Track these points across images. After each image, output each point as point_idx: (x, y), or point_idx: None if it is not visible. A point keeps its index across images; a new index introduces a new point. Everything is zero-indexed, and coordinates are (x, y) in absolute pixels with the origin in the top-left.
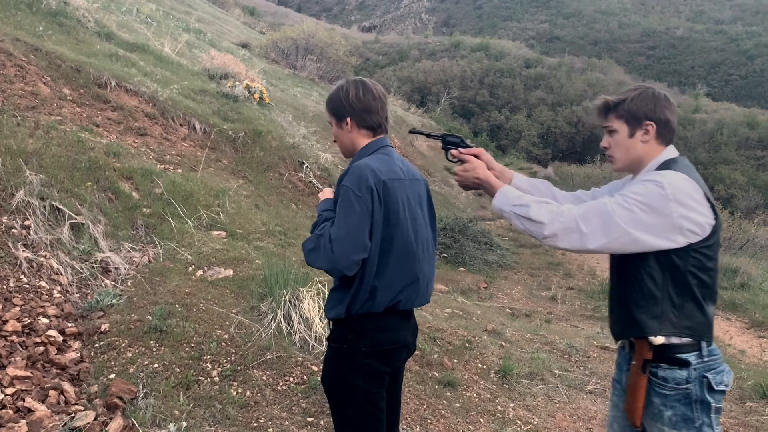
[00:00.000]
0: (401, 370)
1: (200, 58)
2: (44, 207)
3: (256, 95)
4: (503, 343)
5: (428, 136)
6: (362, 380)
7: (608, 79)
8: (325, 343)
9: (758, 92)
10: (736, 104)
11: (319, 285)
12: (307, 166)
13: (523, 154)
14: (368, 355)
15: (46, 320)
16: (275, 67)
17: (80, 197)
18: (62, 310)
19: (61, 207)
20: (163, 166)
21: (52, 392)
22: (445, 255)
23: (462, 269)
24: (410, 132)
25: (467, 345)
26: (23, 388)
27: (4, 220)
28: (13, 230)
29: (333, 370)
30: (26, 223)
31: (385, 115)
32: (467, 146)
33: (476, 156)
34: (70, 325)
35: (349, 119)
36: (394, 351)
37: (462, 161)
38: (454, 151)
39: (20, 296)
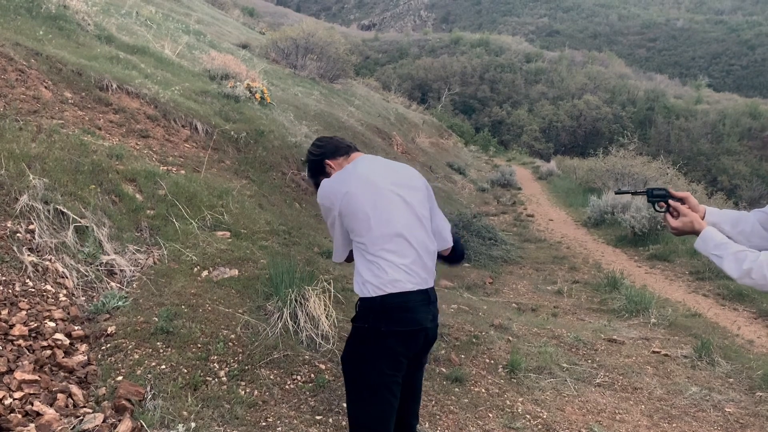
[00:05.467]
0: (422, 362)
1: (201, 59)
2: (48, 211)
3: (258, 95)
4: (510, 338)
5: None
6: (379, 360)
7: (609, 72)
8: (332, 341)
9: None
10: (738, 94)
11: (325, 283)
12: None
13: (525, 149)
14: (387, 335)
15: (52, 324)
16: (275, 67)
17: (84, 200)
18: (68, 314)
19: (65, 210)
20: (166, 168)
21: (60, 395)
22: None
23: (467, 265)
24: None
25: (474, 340)
26: (31, 392)
27: (8, 225)
28: (18, 234)
29: (352, 348)
30: (31, 227)
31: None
32: (673, 197)
33: (684, 199)
34: (76, 328)
35: (326, 161)
36: (412, 333)
37: (670, 212)
38: (674, 204)
39: (26, 300)
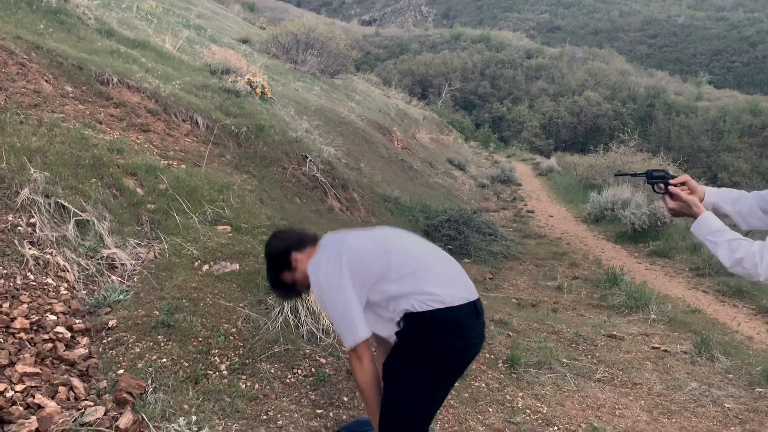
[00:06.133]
0: None
1: (201, 53)
2: (49, 204)
3: (258, 90)
4: (510, 333)
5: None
6: (429, 379)
7: (610, 69)
8: (332, 335)
9: (760, 79)
10: (739, 91)
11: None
12: (310, 160)
13: (525, 145)
14: (438, 354)
15: (53, 317)
16: (276, 62)
17: (85, 194)
18: (69, 307)
19: (66, 204)
20: (166, 162)
21: (61, 388)
22: (450, 246)
23: (467, 260)
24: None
25: None
26: (32, 384)
27: (9, 218)
28: (19, 228)
29: (402, 359)
30: (32, 220)
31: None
32: (673, 177)
33: (684, 183)
34: (77, 321)
35: (292, 254)
36: (460, 351)
37: (669, 192)
38: (674, 187)
39: (27, 293)
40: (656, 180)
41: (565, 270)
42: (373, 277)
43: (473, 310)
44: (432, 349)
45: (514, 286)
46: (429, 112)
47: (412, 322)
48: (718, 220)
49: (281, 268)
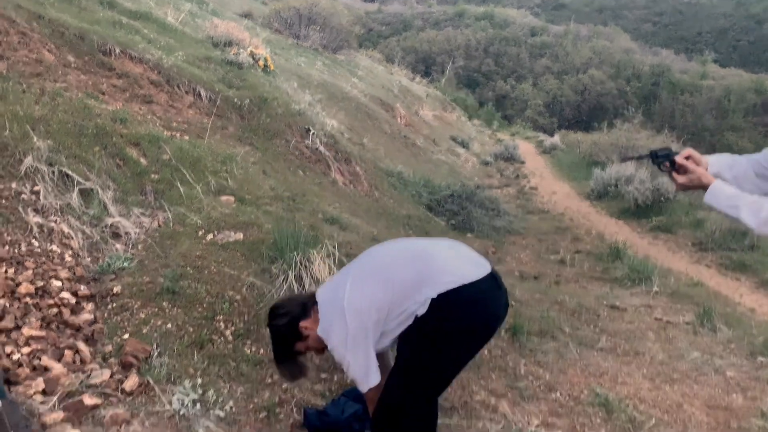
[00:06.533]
0: None
1: (203, 26)
2: (53, 173)
3: (261, 62)
4: (513, 303)
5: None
6: (455, 357)
7: (614, 47)
8: None
9: (766, 57)
10: (744, 70)
11: (330, 247)
12: (313, 133)
13: (528, 124)
14: (464, 332)
15: (58, 283)
16: (278, 37)
17: (88, 163)
18: (74, 274)
19: (69, 173)
20: (169, 133)
21: (67, 352)
22: (453, 222)
23: (470, 235)
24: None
25: None
26: (38, 347)
27: (13, 186)
28: (23, 196)
29: (421, 337)
30: (35, 188)
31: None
32: (677, 153)
33: (689, 157)
34: (82, 287)
35: (301, 324)
36: (486, 325)
37: (675, 169)
38: (680, 159)
39: (32, 260)
40: (661, 159)
41: (567, 244)
42: (385, 310)
43: (492, 282)
44: (458, 327)
45: (516, 259)
46: (432, 90)
47: (435, 306)
48: (730, 186)
49: (293, 340)
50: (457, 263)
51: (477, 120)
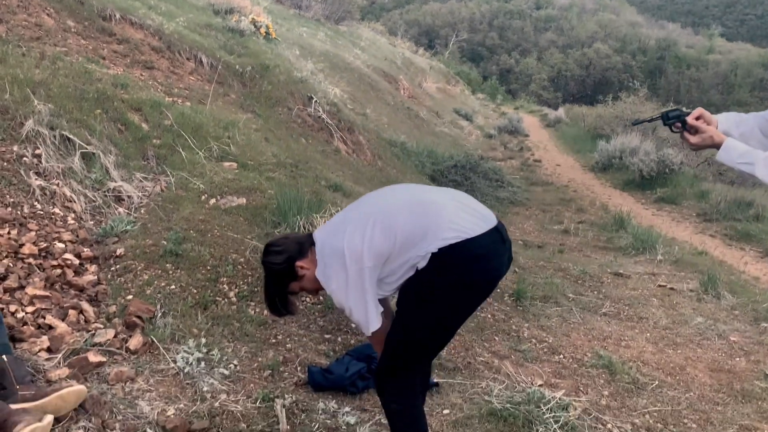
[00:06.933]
0: None
1: None
2: (54, 136)
3: (263, 30)
4: (516, 269)
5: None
6: (461, 311)
7: (620, 20)
8: None
9: None
10: (752, 44)
11: (333, 211)
12: (316, 101)
13: (533, 98)
14: (466, 286)
15: (61, 245)
16: (280, 8)
17: (90, 127)
18: (77, 236)
19: (71, 137)
20: (171, 99)
21: (71, 311)
22: None
23: None
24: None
25: None
26: (43, 306)
27: (14, 149)
28: (25, 159)
29: (421, 290)
30: (37, 152)
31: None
32: (688, 113)
33: (699, 117)
34: (85, 249)
35: (297, 263)
36: (488, 280)
37: (686, 130)
38: (691, 119)
39: (35, 222)
40: (673, 120)
41: (571, 215)
42: (384, 257)
43: (497, 236)
44: (459, 282)
45: (520, 229)
46: (436, 63)
47: (436, 260)
48: (742, 143)
49: (288, 279)
50: (461, 216)
51: (481, 94)
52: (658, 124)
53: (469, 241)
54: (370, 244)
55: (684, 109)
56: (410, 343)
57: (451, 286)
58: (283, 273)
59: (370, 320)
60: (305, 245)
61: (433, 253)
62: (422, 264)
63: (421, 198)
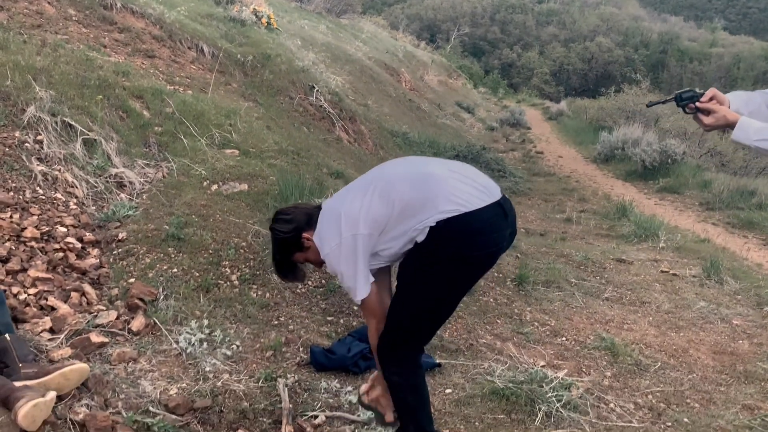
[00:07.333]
0: None
1: None
2: (56, 123)
3: (264, 20)
4: (519, 255)
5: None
6: (460, 284)
7: (622, 14)
8: None
9: None
10: (754, 37)
11: None
12: (317, 90)
13: (535, 92)
14: (470, 259)
15: (63, 229)
16: (281, 0)
17: (91, 114)
18: (79, 221)
19: (72, 123)
20: (172, 87)
21: (74, 294)
22: None
23: None
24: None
25: None
26: (45, 288)
27: (16, 135)
28: (26, 144)
29: (420, 263)
30: (39, 138)
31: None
32: (701, 94)
33: (712, 97)
34: (87, 234)
35: (303, 235)
36: (488, 254)
37: (700, 111)
38: (700, 104)
39: (37, 206)
40: (686, 101)
41: (574, 204)
42: (381, 226)
43: (499, 210)
44: (458, 256)
45: (522, 218)
46: (437, 56)
47: (435, 234)
48: (756, 121)
49: (293, 249)
50: (461, 189)
51: (482, 88)
52: (665, 112)
53: (468, 214)
54: (367, 211)
55: (697, 90)
56: (410, 316)
57: (450, 260)
58: (289, 242)
59: (359, 287)
60: (314, 217)
61: (431, 227)
62: (421, 238)
63: (422, 170)
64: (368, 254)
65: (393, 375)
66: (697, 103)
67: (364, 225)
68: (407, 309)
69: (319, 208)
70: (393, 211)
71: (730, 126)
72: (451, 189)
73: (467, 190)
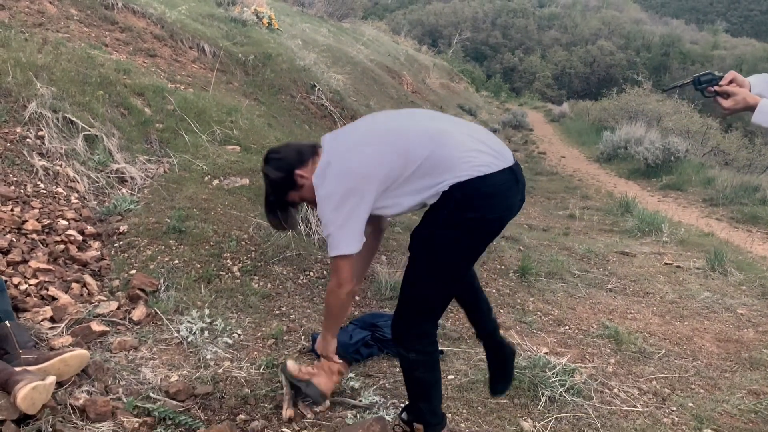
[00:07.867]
0: None
1: None
2: (57, 119)
3: (265, 21)
4: (521, 248)
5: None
6: (472, 247)
7: (624, 17)
8: None
9: None
10: (756, 39)
11: None
12: (319, 89)
13: (537, 96)
14: (477, 224)
15: (65, 222)
16: (283, 5)
17: (93, 111)
18: (80, 215)
19: (74, 119)
20: (174, 85)
21: (74, 284)
22: None
23: None
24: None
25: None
26: (46, 279)
27: (18, 131)
28: (28, 140)
29: (431, 229)
30: (40, 133)
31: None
32: (720, 77)
33: (732, 80)
34: (88, 227)
35: (296, 172)
36: (498, 219)
37: (719, 94)
38: (719, 87)
39: (38, 200)
40: (705, 84)
41: (576, 202)
42: (389, 181)
43: (511, 176)
44: (468, 219)
45: (525, 214)
46: (439, 60)
47: (446, 197)
48: None
49: (286, 189)
50: (475, 153)
51: (485, 91)
52: (667, 111)
53: (480, 178)
54: (379, 165)
55: (716, 72)
56: (429, 285)
57: (460, 223)
58: (281, 181)
59: (342, 241)
60: (306, 154)
61: (444, 191)
62: (432, 200)
63: (439, 127)
64: (368, 212)
65: (411, 352)
66: (716, 87)
67: (374, 181)
68: (427, 278)
69: (312, 145)
70: (406, 169)
71: (750, 109)
72: (465, 152)
73: (480, 154)
